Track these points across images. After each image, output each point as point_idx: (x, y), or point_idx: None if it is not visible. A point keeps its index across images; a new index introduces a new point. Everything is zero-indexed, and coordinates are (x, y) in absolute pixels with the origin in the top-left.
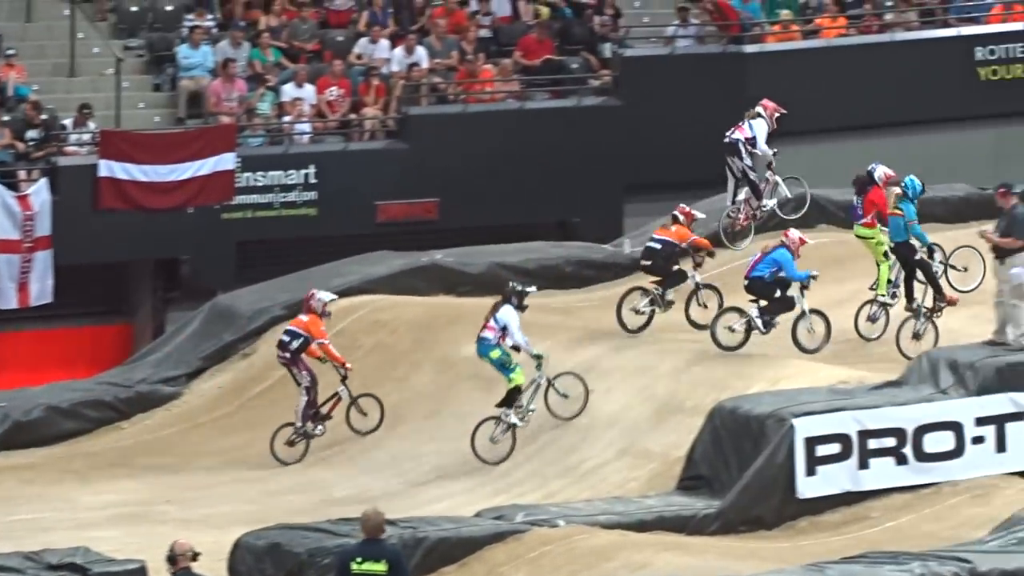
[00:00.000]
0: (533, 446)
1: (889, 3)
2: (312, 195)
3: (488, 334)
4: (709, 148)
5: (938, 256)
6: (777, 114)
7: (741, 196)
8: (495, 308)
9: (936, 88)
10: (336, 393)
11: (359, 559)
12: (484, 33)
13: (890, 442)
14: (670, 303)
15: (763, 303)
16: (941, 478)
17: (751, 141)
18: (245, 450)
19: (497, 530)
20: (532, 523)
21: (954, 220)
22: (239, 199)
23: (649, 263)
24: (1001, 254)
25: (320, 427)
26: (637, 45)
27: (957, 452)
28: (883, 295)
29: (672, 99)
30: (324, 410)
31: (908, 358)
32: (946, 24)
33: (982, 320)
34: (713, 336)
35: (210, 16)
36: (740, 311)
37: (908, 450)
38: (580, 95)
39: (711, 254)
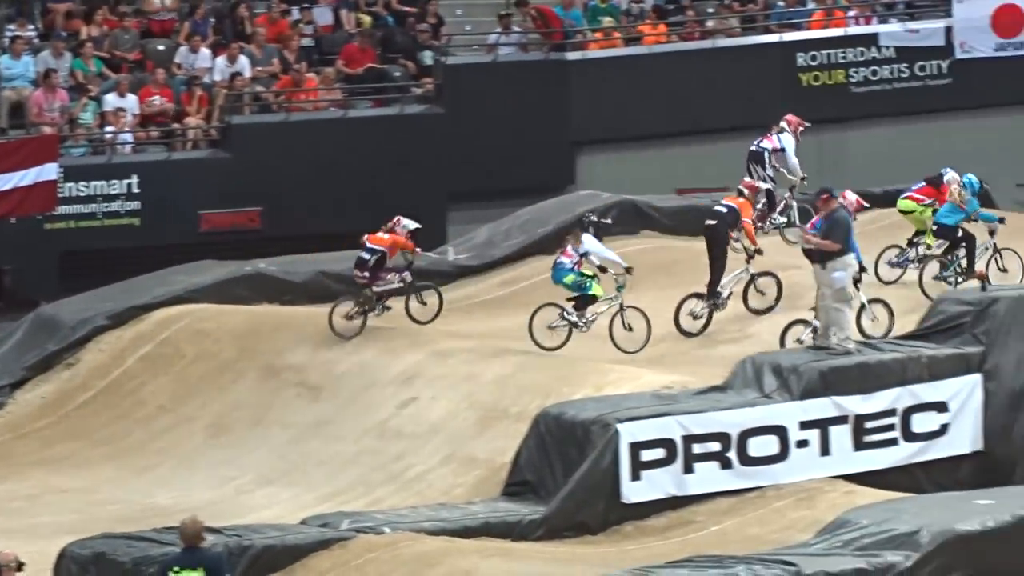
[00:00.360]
0: (359, 452)
1: (710, 10)
2: (135, 205)
3: (564, 259)
4: (532, 155)
5: (992, 239)
6: (801, 128)
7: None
8: (569, 238)
9: (758, 94)
10: (402, 280)
11: (176, 568)
12: (307, 42)
13: (715, 446)
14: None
15: None
16: (766, 482)
17: (777, 152)
18: (69, 460)
19: (323, 537)
20: (357, 530)
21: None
22: (62, 209)
23: (715, 223)
24: (823, 258)
25: (380, 308)
26: (459, 53)
27: (781, 456)
28: (928, 245)
29: (495, 107)
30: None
31: (929, 297)
32: (767, 30)
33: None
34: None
35: (31, 26)
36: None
37: (733, 454)
38: (403, 103)
39: (759, 251)
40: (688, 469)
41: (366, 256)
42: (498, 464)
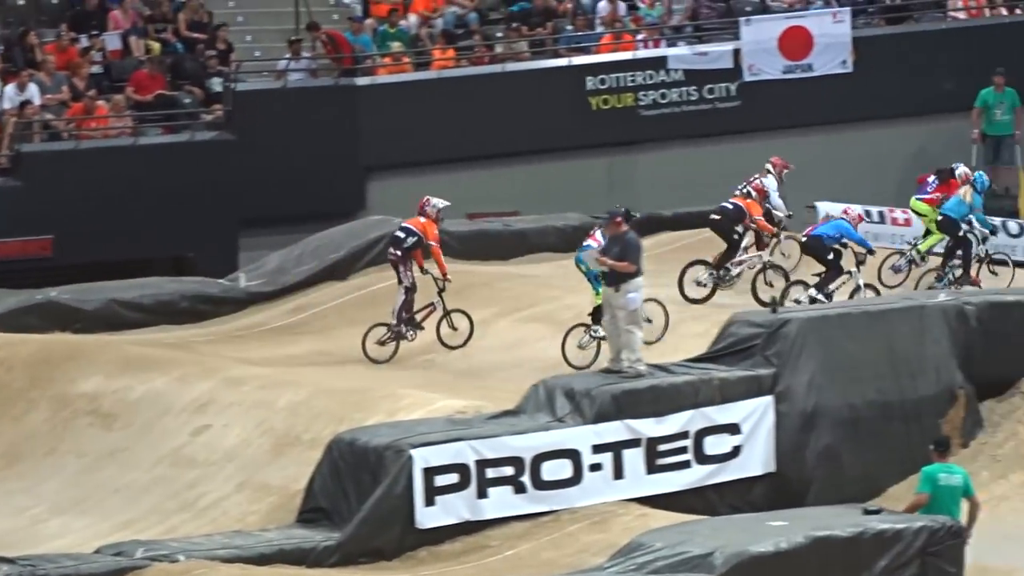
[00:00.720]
0: (152, 480)
1: (499, 34)
2: None
3: (593, 243)
4: (323, 180)
5: (986, 246)
6: (785, 170)
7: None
8: (600, 229)
9: (549, 118)
10: (432, 303)
11: None
12: (96, 69)
13: (508, 471)
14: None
15: (818, 274)
16: (560, 505)
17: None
18: None
19: (117, 566)
20: (152, 558)
21: (568, 249)
22: None
23: (718, 218)
24: (615, 280)
25: (412, 332)
26: (249, 79)
27: (575, 480)
28: (919, 252)
29: (285, 133)
30: (418, 318)
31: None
32: (557, 54)
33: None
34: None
35: None
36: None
37: (526, 478)
38: (193, 130)
39: (777, 236)
40: (482, 494)
41: (401, 235)
42: (292, 491)
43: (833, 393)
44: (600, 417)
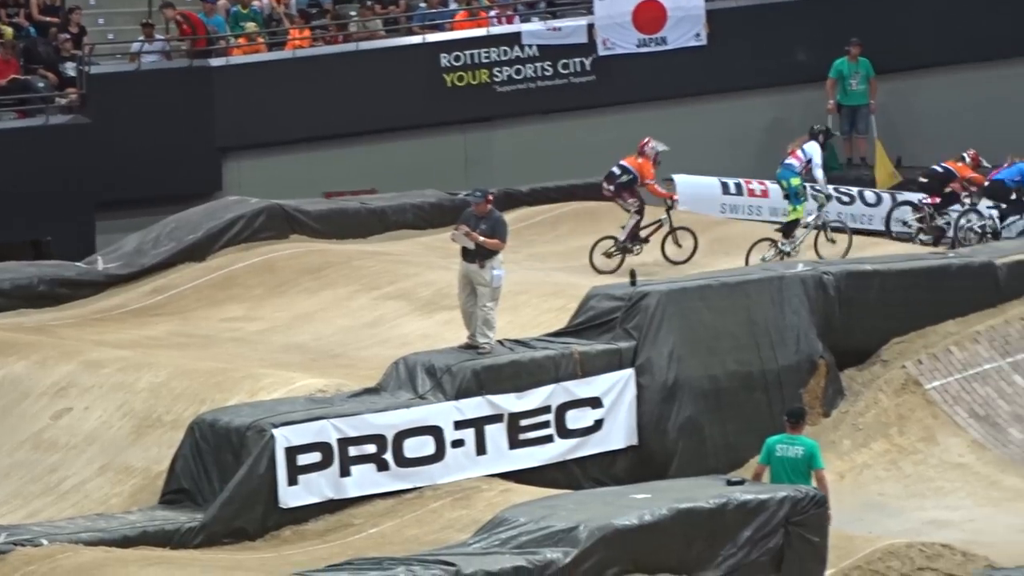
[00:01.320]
0: (13, 465)
1: (353, 13)
2: None
3: (794, 161)
4: (179, 162)
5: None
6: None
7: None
8: (801, 142)
9: (404, 96)
10: (659, 220)
11: None
12: None
13: (371, 449)
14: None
15: (1002, 206)
16: (423, 482)
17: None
18: None
19: None
20: (15, 543)
21: (426, 226)
22: None
23: (926, 181)
24: (480, 257)
25: (638, 247)
26: (103, 62)
27: (438, 456)
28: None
29: (140, 115)
30: (644, 234)
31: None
32: (411, 32)
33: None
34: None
35: None
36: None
37: (389, 456)
38: (48, 114)
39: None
40: (345, 472)
41: (616, 171)
42: (155, 473)
43: (694, 365)
44: (461, 393)
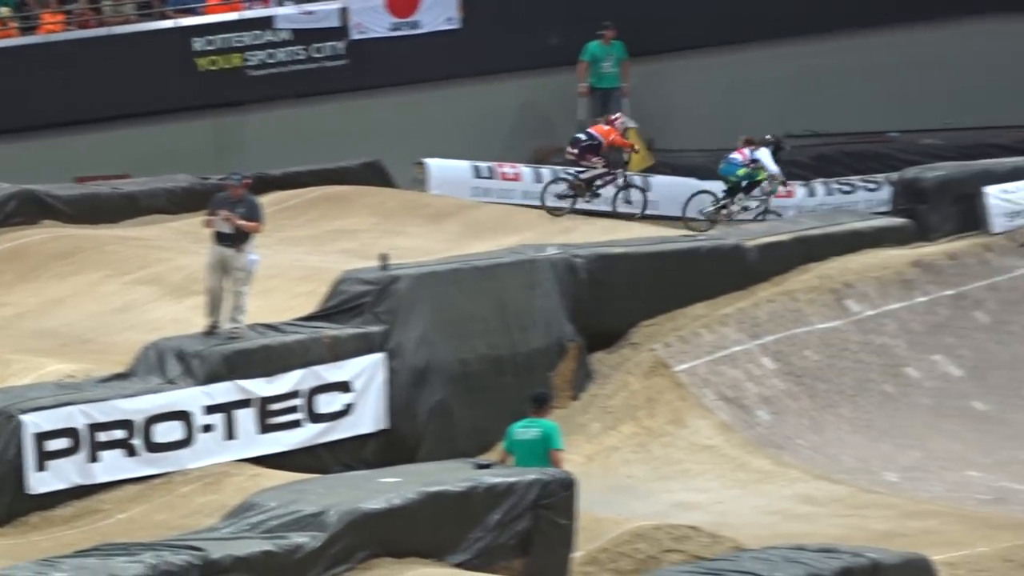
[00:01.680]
0: None
1: None
2: None
3: (738, 156)
4: None
5: None
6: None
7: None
8: (749, 143)
9: (157, 80)
10: (613, 173)
11: None
12: None
13: (120, 434)
14: None
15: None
16: (172, 467)
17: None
18: None
19: None
20: None
21: (179, 211)
22: None
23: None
24: (237, 241)
25: (588, 196)
26: None
27: (187, 441)
28: None
29: None
30: (596, 184)
31: None
32: (164, 16)
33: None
34: None
35: None
36: None
37: (138, 441)
38: None
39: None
40: (93, 458)
41: (583, 137)
42: None
43: (445, 348)
44: (211, 378)
